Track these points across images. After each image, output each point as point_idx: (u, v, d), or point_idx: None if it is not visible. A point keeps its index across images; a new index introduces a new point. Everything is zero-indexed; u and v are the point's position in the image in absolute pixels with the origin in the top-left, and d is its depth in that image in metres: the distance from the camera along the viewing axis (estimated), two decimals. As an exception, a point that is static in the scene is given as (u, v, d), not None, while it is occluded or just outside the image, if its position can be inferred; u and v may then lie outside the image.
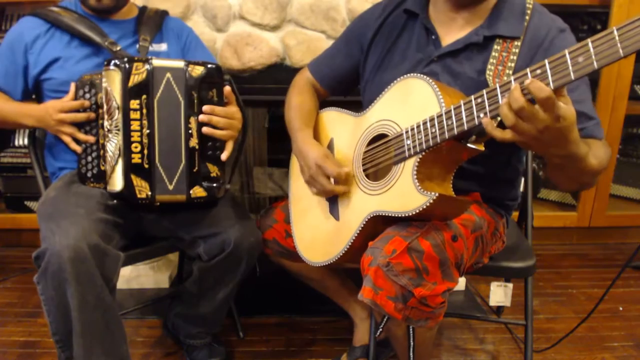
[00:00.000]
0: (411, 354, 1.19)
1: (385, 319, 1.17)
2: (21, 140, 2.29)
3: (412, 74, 1.07)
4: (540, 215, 2.43)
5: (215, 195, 1.32)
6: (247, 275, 1.40)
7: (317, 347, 1.69)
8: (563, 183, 1.04)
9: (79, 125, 1.31)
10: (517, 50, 1.10)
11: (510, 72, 1.09)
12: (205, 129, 1.28)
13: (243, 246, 1.32)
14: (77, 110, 1.30)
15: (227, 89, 1.31)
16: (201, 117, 1.27)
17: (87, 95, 1.30)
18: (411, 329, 1.19)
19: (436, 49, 1.18)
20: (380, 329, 1.15)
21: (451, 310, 1.90)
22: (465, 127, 0.93)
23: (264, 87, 1.86)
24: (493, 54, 1.11)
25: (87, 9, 1.43)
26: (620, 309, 1.96)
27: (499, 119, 0.88)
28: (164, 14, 1.55)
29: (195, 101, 1.26)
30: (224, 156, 1.31)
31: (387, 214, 1.06)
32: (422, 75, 1.05)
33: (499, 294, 1.63)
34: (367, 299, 1.01)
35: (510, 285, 1.63)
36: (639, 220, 2.54)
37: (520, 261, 1.33)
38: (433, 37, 1.19)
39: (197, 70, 1.26)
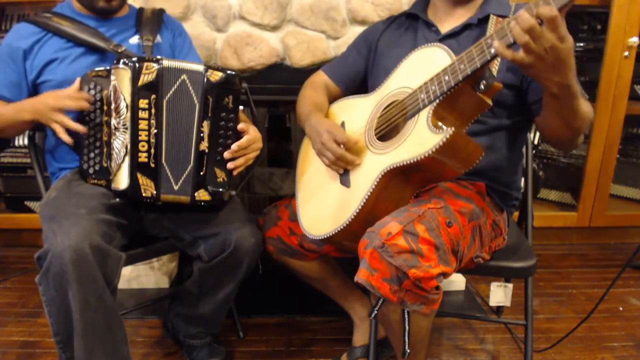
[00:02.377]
0: (406, 338, 1.18)
1: (380, 301, 1.17)
2: (21, 140, 2.29)
3: (420, 46, 1.16)
4: (540, 215, 2.43)
5: (220, 199, 1.31)
6: (248, 275, 1.40)
7: (317, 347, 1.69)
8: (556, 127, 1.10)
9: (82, 122, 1.30)
10: None
11: None
12: (229, 165, 1.29)
13: (243, 247, 1.32)
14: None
15: (241, 126, 1.30)
16: (226, 155, 1.27)
17: (93, 92, 1.30)
18: (406, 314, 1.18)
19: (437, 35, 1.31)
20: (375, 311, 1.15)
21: (451, 310, 1.91)
22: (478, 64, 0.98)
23: (264, 87, 1.85)
24: (489, 29, 1.19)
25: (89, 10, 1.42)
26: (620, 309, 1.96)
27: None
28: (161, 12, 1.56)
29: (210, 105, 1.26)
30: (230, 165, 1.30)
31: (402, 164, 1.07)
32: (430, 44, 1.13)
33: (499, 294, 1.63)
34: (362, 280, 1.04)
35: (510, 285, 1.63)
36: (639, 220, 2.54)
37: (520, 261, 1.33)
38: (434, 28, 1.33)
39: (216, 76, 1.25)
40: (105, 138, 1.30)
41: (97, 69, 1.30)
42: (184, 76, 1.24)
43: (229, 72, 1.27)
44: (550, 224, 2.48)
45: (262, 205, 2.31)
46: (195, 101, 1.25)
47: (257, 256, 1.38)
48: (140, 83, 1.22)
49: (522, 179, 1.46)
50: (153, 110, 1.23)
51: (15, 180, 2.32)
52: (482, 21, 1.25)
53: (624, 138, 2.49)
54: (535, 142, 2.59)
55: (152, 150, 1.25)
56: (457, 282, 2.07)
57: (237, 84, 1.28)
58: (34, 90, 1.41)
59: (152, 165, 1.25)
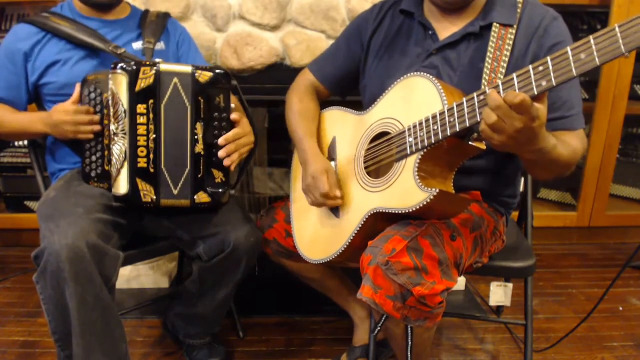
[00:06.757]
0: (409, 353, 1.19)
1: (383, 318, 1.17)
2: (21, 140, 2.29)
3: (415, 73, 1.08)
4: (540, 215, 2.43)
5: (220, 200, 1.31)
6: (247, 276, 1.40)
7: (317, 347, 1.69)
8: (540, 175, 1.08)
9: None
10: (512, 38, 1.12)
11: (506, 60, 1.11)
12: (226, 161, 1.28)
13: (243, 247, 1.32)
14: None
15: (235, 104, 1.29)
16: (221, 154, 1.26)
17: (93, 95, 1.30)
18: (409, 329, 1.19)
19: (434, 43, 1.20)
20: (379, 328, 1.15)
21: (451, 310, 1.90)
22: (467, 124, 0.94)
23: (264, 87, 1.86)
24: (491, 42, 1.12)
25: (86, 5, 1.42)
26: (620, 309, 1.96)
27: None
28: (166, 16, 1.56)
29: (202, 107, 1.25)
30: (230, 165, 1.29)
31: (387, 211, 1.06)
32: (425, 74, 1.06)
33: (499, 294, 1.63)
34: (367, 298, 1.02)
35: (510, 285, 1.63)
36: (639, 220, 2.54)
37: (520, 261, 1.33)
38: (430, 32, 1.21)
39: (205, 76, 1.24)
40: (106, 142, 1.30)
41: (96, 72, 1.31)
42: (175, 79, 1.23)
43: (217, 71, 1.25)
44: (550, 224, 2.48)
45: (262, 206, 2.32)
46: (187, 104, 1.24)
47: (256, 255, 1.38)
48: (137, 88, 1.21)
49: (522, 180, 1.45)
50: (151, 116, 1.22)
51: (15, 180, 2.33)
52: (485, 29, 1.15)
53: (624, 138, 2.49)
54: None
55: (152, 156, 1.24)
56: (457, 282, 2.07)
57: (227, 82, 1.27)
58: (35, 91, 1.41)
59: (152, 170, 1.25)
